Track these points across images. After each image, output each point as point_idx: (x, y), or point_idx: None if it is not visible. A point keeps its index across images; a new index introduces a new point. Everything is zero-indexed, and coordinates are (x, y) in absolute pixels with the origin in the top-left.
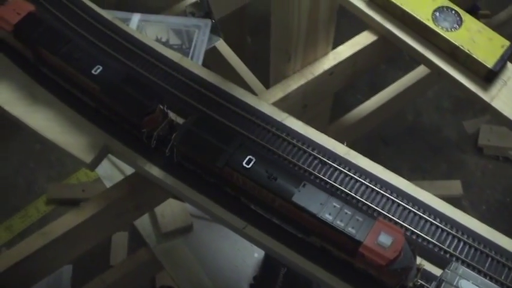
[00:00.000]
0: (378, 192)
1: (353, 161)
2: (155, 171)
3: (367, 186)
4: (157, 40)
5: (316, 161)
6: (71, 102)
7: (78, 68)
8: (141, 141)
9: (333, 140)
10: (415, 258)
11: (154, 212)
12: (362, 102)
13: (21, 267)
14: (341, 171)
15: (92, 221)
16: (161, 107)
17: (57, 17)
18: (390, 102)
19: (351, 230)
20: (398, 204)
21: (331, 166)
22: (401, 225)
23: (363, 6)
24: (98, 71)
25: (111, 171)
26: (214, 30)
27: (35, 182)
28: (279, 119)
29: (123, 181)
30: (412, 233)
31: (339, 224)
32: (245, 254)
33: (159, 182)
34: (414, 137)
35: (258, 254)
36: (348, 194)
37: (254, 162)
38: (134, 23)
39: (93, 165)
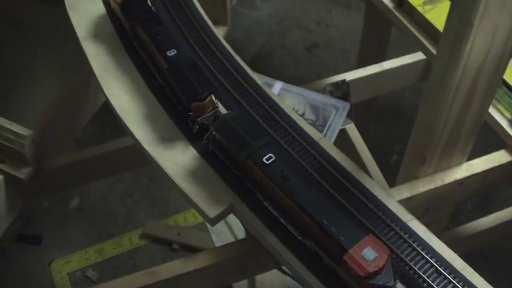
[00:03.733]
0: None
1: (468, 277)
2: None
3: None
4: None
5: (432, 269)
6: (204, 153)
7: (157, 47)
8: (188, 126)
9: (452, 252)
10: (394, 281)
11: (254, 277)
12: (471, 211)
13: None
14: (455, 285)
15: (198, 273)
16: (213, 99)
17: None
18: (507, 223)
19: (341, 238)
20: None
21: (445, 278)
22: None
23: (505, 124)
24: (172, 53)
25: (221, 227)
26: (348, 113)
27: (134, 214)
28: (404, 219)
29: (238, 243)
30: None
31: (333, 230)
32: None
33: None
34: None
35: None
36: None
37: (273, 161)
38: (276, 89)
39: (215, 221)
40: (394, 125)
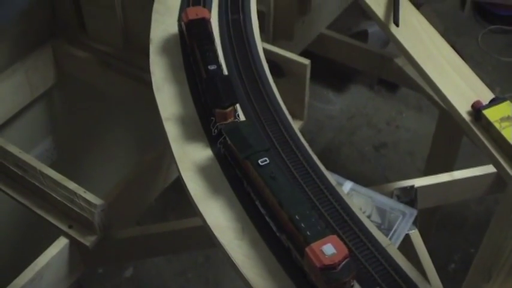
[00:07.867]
0: None
1: None
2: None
3: None
4: None
5: None
6: (273, 246)
7: (203, 60)
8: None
9: None
10: (347, 278)
11: None
12: None
13: None
14: None
15: None
16: (236, 111)
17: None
18: None
19: (307, 232)
20: None
21: None
22: None
23: None
24: (212, 68)
25: None
26: (414, 219)
27: None
28: None
29: None
30: None
31: (302, 225)
32: None
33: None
34: None
35: None
36: None
37: (266, 163)
38: (346, 189)
39: None
40: (455, 233)
